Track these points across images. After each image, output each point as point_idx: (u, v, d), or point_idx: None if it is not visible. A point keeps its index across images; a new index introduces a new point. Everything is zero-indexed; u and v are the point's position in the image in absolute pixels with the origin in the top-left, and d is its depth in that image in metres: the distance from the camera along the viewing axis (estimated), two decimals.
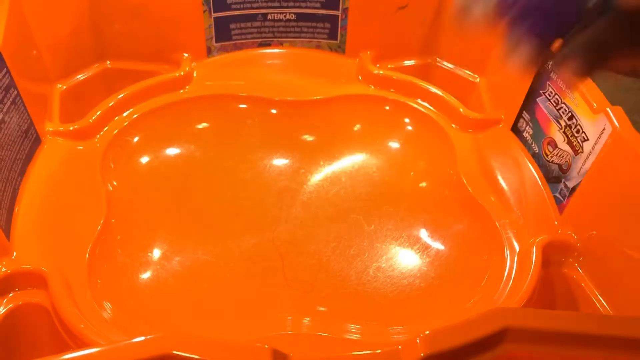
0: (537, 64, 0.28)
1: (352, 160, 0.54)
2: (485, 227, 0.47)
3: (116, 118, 0.53)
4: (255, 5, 0.59)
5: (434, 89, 0.57)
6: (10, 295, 0.39)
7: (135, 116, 0.53)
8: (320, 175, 0.53)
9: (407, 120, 0.56)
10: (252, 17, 0.60)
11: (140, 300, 0.43)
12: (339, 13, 0.60)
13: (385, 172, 0.54)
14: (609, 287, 0.42)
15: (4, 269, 0.39)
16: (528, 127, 0.51)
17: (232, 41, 0.61)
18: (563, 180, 0.46)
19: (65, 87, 0.57)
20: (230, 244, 0.47)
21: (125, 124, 0.52)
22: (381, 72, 0.59)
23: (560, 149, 0.47)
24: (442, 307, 0.44)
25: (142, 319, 0.41)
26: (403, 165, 0.54)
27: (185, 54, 0.59)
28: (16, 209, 0.45)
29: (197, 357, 0.26)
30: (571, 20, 0.27)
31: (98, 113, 0.52)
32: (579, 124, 0.45)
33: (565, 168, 0.46)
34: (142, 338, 0.27)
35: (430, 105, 0.56)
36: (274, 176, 0.53)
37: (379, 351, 0.27)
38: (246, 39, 0.61)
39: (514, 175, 0.50)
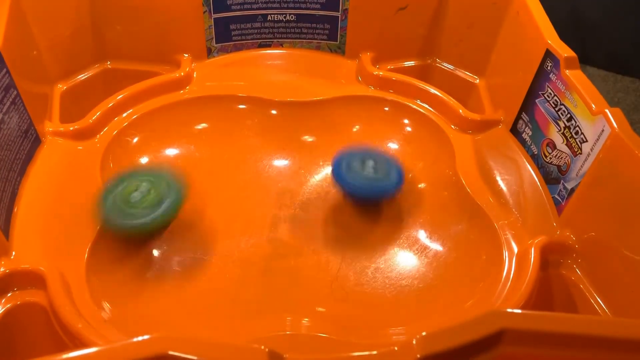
0: None
1: None
2: (484, 228, 0.47)
3: (116, 118, 0.53)
4: (255, 6, 0.59)
5: (433, 90, 0.57)
6: (9, 294, 0.40)
7: (135, 117, 0.53)
8: (319, 175, 0.53)
9: (406, 121, 0.56)
10: (252, 18, 0.60)
11: (139, 300, 0.43)
12: (338, 14, 0.60)
13: None
14: (607, 288, 0.42)
15: (2, 269, 0.40)
16: (527, 128, 0.51)
17: (232, 42, 0.61)
18: (562, 181, 0.46)
19: (65, 87, 0.57)
20: (229, 244, 0.47)
21: (125, 124, 0.53)
22: (381, 73, 0.59)
23: (559, 150, 0.47)
24: (441, 308, 0.44)
25: (141, 319, 0.42)
26: (402, 165, 0.54)
27: (186, 55, 0.59)
28: (15, 209, 0.45)
29: (193, 357, 0.26)
30: None
31: (98, 113, 0.52)
32: (577, 126, 0.45)
33: (564, 169, 0.46)
34: (139, 338, 0.27)
35: (430, 106, 0.56)
36: (273, 177, 0.53)
37: (375, 352, 0.27)
38: (246, 39, 0.61)
39: (513, 176, 0.50)
